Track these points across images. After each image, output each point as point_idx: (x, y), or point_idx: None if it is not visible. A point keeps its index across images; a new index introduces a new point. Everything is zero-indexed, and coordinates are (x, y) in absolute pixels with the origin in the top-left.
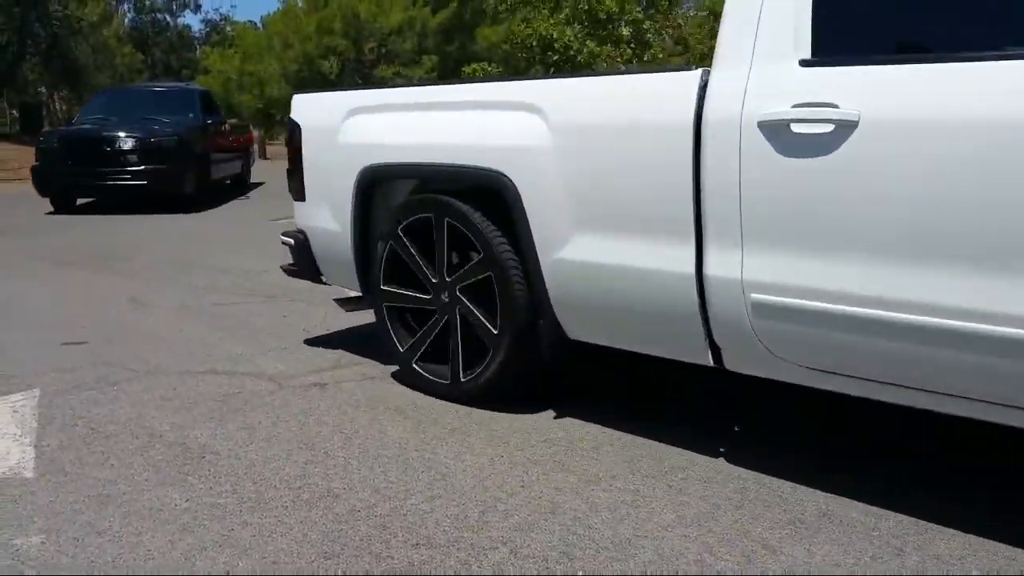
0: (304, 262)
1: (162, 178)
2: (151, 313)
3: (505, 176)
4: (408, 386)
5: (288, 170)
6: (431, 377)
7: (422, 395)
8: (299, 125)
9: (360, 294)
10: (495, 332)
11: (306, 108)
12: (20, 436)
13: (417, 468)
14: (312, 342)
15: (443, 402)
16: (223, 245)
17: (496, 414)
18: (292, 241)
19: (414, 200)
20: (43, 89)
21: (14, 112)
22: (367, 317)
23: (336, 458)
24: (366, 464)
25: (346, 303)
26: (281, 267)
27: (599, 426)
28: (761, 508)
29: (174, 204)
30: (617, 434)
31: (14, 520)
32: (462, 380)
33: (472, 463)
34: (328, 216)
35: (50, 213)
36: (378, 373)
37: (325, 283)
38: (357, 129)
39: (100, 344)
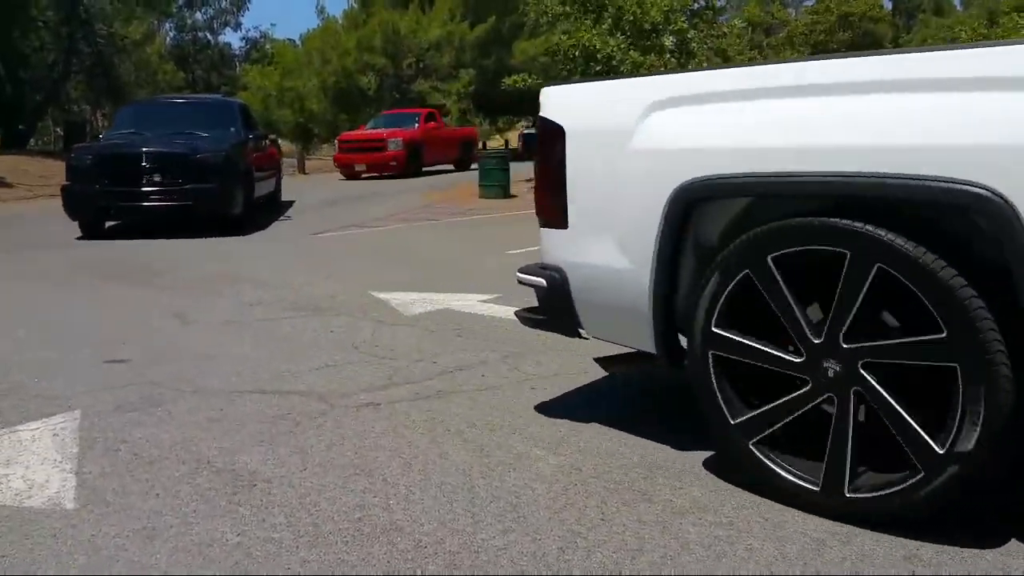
0: (557, 309)
1: (210, 198)
2: (196, 329)
3: (997, 197)
4: (730, 470)
5: (539, 187)
6: (785, 472)
7: (480, 415)
8: (561, 127)
9: (634, 350)
10: (939, 451)
11: (572, 104)
12: (61, 462)
13: (485, 498)
14: (361, 359)
15: (506, 422)
16: (267, 260)
17: (563, 436)
18: (542, 282)
19: (805, 226)
20: (87, 107)
21: (58, 130)
22: (418, 333)
23: (396, 486)
24: (429, 493)
25: (613, 363)
26: (516, 313)
27: (678, 451)
28: (871, 543)
29: (213, 226)
30: (698, 457)
31: (53, 557)
32: (847, 492)
33: (544, 492)
34: (609, 249)
35: (80, 238)
36: (432, 392)
37: (583, 337)
38: (670, 129)
39: (144, 362)
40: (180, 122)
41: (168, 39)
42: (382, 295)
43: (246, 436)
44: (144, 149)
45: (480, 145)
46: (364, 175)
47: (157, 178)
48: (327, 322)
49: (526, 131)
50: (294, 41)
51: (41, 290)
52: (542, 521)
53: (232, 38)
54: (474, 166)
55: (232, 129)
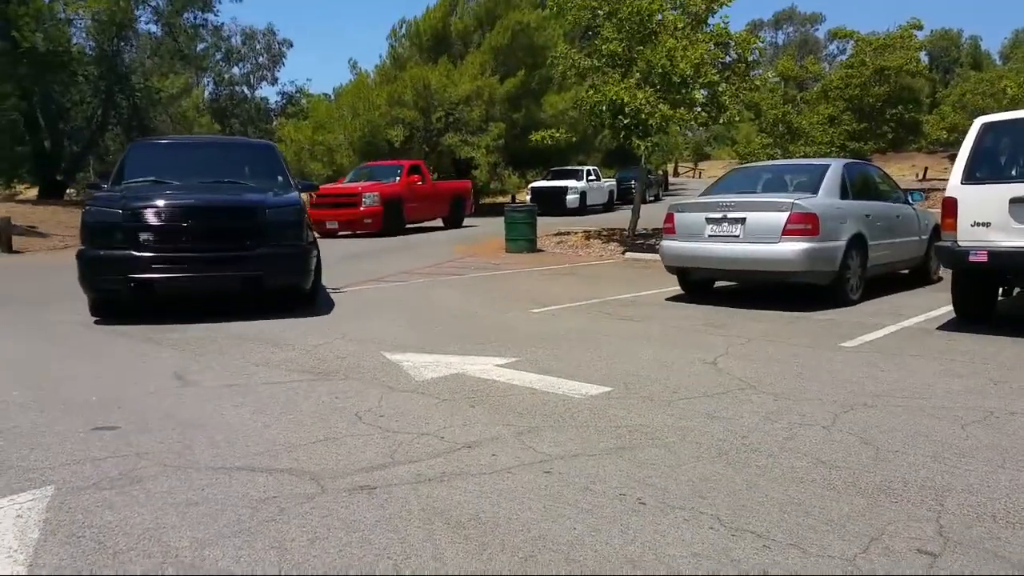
0: None
1: (286, 266)
2: (195, 392)
3: None
4: None
5: None
6: None
7: (488, 506)
8: None
9: None
10: None
11: None
12: (15, 551)
13: None
14: (363, 431)
15: (512, 518)
16: (279, 316)
17: (578, 536)
18: None
19: None
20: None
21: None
22: (428, 403)
23: None
24: None
25: None
26: None
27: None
28: None
29: (271, 305)
30: None
31: None
32: None
33: None
34: None
35: (98, 322)
36: (435, 474)
37: None
38: None
39: (133, 430)
40: (214, 168)
41: (207, 93)
42: (395, 356)
43: (223, 525)
44: (192, 200)
45: (510, 199)
46: (339, 232)
47: (212, 240)
48: (333, 387)
49: (534, 185)
50: (329, 96)
51: (43, 347)
52: None
53: (269, 92)
54: (468, 223)
55: (280, 178)
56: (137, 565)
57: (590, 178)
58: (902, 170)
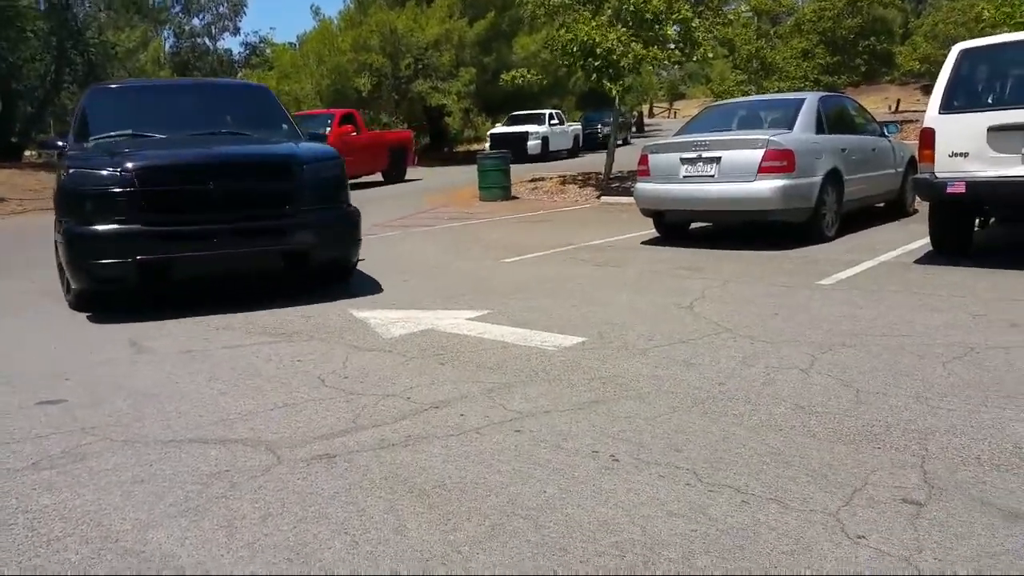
0: None
1: (334, 236)
2: (149, 360)
3: None
4: None
5: None
6: None
7: (452, 471)
8: None
9: None
10: None
11: None
12: None
13: None
14: (326, 395)
15: (479, 482)
16: (243, 276)
17: (548, 499)
18: None
19: None
20: None
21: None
22: (395, 361)
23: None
24: None
25: None
26: None
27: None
28: None
29: (304, 287)
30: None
31: None
32: None
33: None
34: None
35: (92, 318)
36: (400, 438)
37: None
38: None
39: (81, 403)
40: (201, 117)
41: (167, 46)
42: (362, 314)
43: (170, 503)
44: (215, 154)
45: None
46: None
47: (243, 205)
48: (297, 349)
49: (493, 131)
50: (294, 44)
51: None
52: None
53: (232, 43)
54: (411, 176)
55: (285, 127)
56: (72, 552)
57: (552, 122)
58: (875, 102)
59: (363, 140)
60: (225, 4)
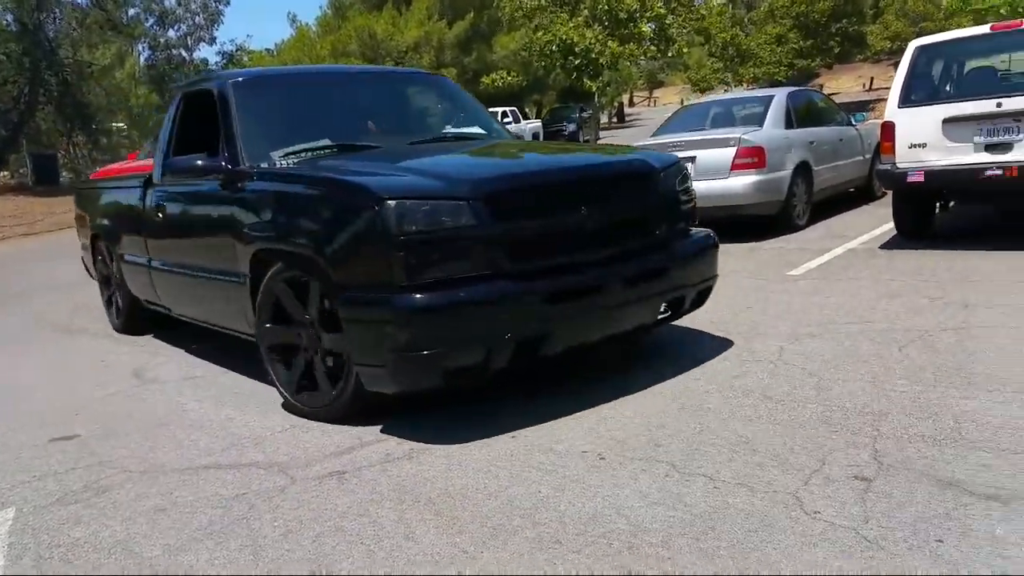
0: None
1: (707, 270)
2: (155, 390)
3: None
4: None
5: None
6: None
7: (454, 479)
8: None
9: None
10: None
11: None
12: None
13: None
14: None
15: (480, 492)
16: None
17: (544, 498)
18: None
19: None
20: (63, 137)
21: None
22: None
23: None
24: None
25: None
26: None
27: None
28: None
29: None
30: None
31: None
32: None
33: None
34: None
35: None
36: (404, 452)
37: None
38: None
39: (94, 437)
40: (400, 118)
41: (142, 60)
42: None
43: (195, 528)
44: (577, 164)
45: None
46: None
47: (619, 237)
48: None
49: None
50: (272, 51)
51: None
52: None
53: (208, 53)
54: None
55: (494, 125)
56: None
57: (506, 120)
58: (850, 82)
59: None
60: (201, 14)
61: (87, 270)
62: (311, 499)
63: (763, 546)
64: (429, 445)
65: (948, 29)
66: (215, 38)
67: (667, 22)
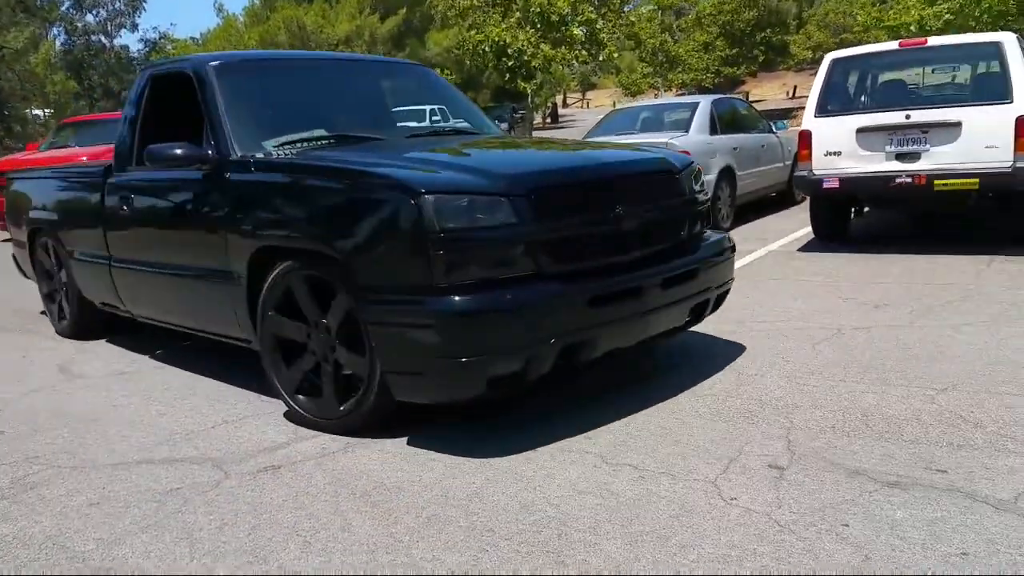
0: None
1: (727, 272)
2: (83, 385)
3: None
4: None
5: None
6: None
7: (390, 472)
8: None
9: None
10: None
11: None
12: None
13: None
14: (266, 408)
15: (415, 484)
16: None
17: (478, 489)
18: None
19: None
20: None
21: None
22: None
23: (293, 573)
24: None
25: None
26: None
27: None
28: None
29: None
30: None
31: None
32: None
33: (454, 563)
34: None
35: None
36: (339, 446)
37: None
38: None
39: (20, 434)
40: (381, 108)
41: (58, 45)
42: None
43: (129, 522)
44: (608, 160)
45: None
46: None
47: (651, 237)
48: (232, 364)
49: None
50: (196, 40)
51: None
52: None
53: (130, 40)
54: None
55: (487, 120)
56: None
57: (435, 119)
58: (774, 89)
59: None
60: (121, 0)
61: (19, 269)
62: (246, 493)
63: (684, 530)
64: (364, 440)
65: (866, 42)
66: (137, 25)
67: (598, 27)
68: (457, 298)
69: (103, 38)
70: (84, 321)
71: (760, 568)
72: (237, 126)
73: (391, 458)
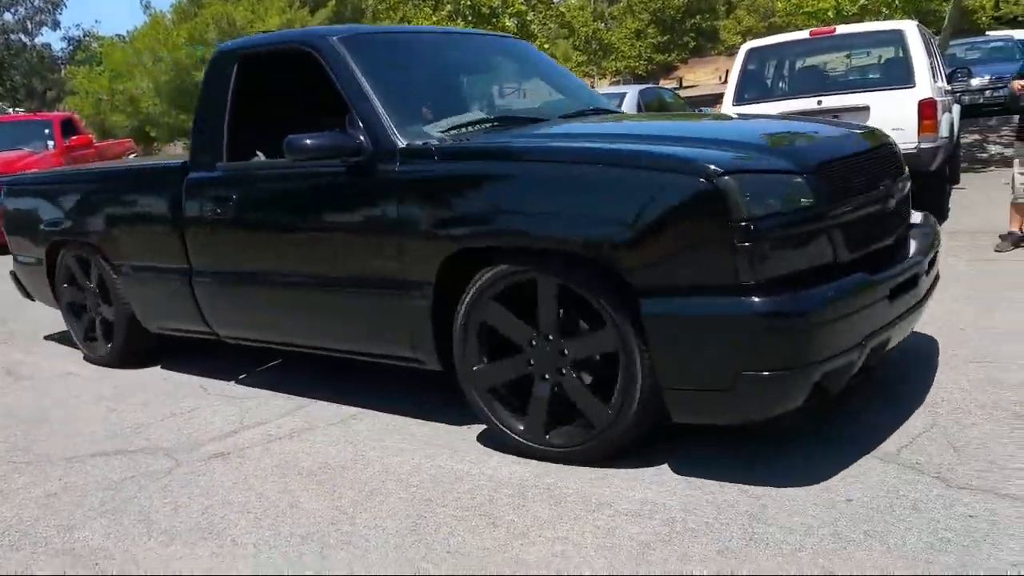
0: None
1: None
2: (31, 387)
3: None
4: None
5: None
6: None
7: (334, 454)
8: None
9: None
10: None
11: None
12: None
13: (334, 545)
14: (211, 402)
15: (356, 461)
16: None
17: (416, 464)
18: None
19: None
20: None
21: None
22: (280, 361)
23: (244, 546)
24: (279, 548)
25: None
26: None
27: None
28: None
29: None
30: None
31: None
32: None
33: (394, 529)
34: None
35: None
36: (284, 433)
37: None
38: None
39: None
40: (489, 84)
41: None
42: None
43: (88, 509)
44: (862, 138)
45: None
46: None
47: (901, 217)
48: (180, 361)
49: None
50: (123, 38)
51: None
52: (390, 562)
53: (52, 38)
54: None
55: (600, 100)
56: (8, 561)
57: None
58: (707, 74)
59: (93, 156)
60: None
61: (22, 290)
62: (198, 478)
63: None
64: (310, 426)
65: (791, 28)
66: (58, 23)
67: (528, 19)
68: (777, 297)
69: (23, 37)
70: (132, 345)
71: None
72: (392, 110)
73: (336, 442)
